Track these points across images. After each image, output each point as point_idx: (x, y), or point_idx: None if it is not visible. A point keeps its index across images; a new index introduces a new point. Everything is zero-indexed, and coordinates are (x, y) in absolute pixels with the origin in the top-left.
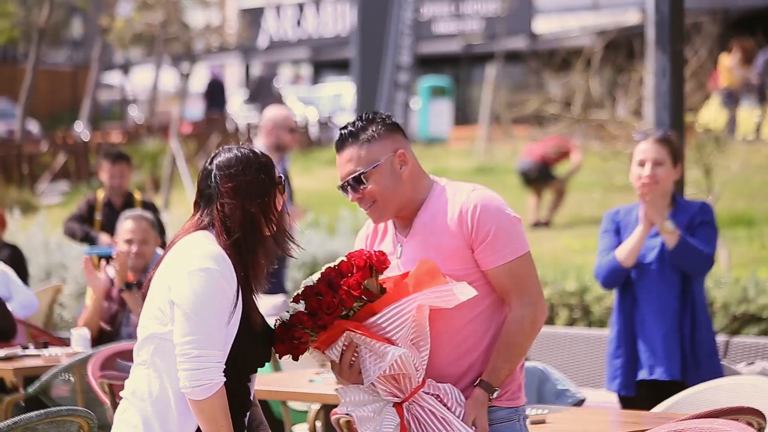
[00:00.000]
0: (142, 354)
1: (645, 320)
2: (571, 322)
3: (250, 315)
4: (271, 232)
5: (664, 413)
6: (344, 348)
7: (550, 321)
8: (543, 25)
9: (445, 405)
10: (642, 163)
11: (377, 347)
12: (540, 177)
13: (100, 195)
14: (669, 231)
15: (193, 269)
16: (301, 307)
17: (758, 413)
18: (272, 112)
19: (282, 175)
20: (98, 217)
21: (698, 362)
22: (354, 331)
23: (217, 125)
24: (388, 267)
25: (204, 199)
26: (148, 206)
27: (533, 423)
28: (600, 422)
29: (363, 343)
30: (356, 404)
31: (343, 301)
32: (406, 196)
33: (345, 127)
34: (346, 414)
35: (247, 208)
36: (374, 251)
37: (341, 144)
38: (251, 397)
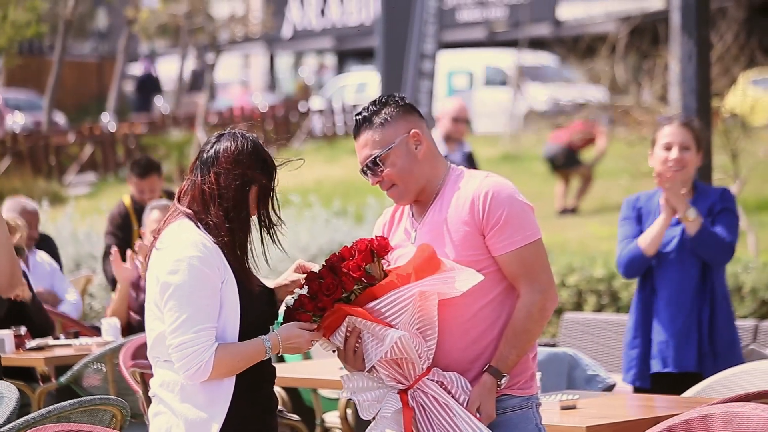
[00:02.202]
0: (156, 353)
1: (663, 310)
2: (599, 308)
3: (243, 282)
4: (260, 213)
5: (695, 398)
6: (348, 334)
7: (579, 307)
8: (567, 12)
9: (449, 393)
10: (668, 147)
11: (377, 330)
12: (566, 162)
13: (128, 201)
14: (691, 218)
15: (175, 260)
16: (304, 291)
17: None
18: (444, 104)
19: (453, 163)
20: (137, 226)
21: (716, 353)
22: (354, 315)
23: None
24: (389, 252)
25: (200, 162)
26: (171, 196)
27: (563, 408)
28: (630, 407)
29: (364, 326)
30: (359, 390)
31: (343, 282)
32: (425, 176)
33: (359, 113)
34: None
35: (243, 182)
36: (376, 236)
37: (357, 129)
38: (271, 359)
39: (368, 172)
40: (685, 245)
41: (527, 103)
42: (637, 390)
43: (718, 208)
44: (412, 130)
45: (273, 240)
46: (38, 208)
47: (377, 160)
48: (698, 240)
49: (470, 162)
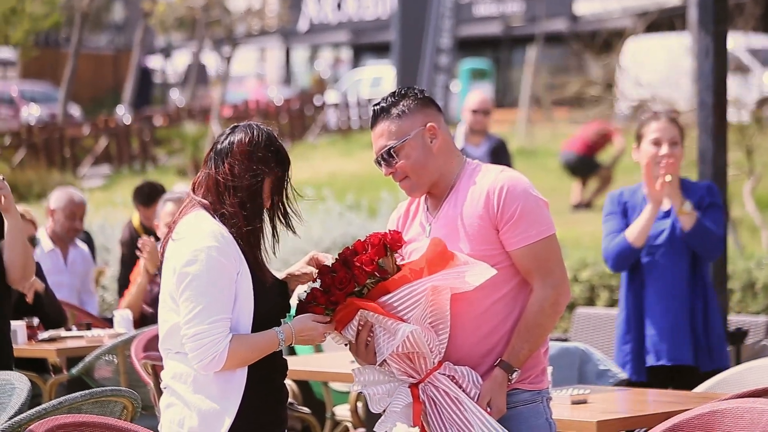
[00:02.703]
0: (169, 344)
1: (654, 304)
2: (612, 303)
3: (257, 273)
4: (274, 206)
5: (706, 393)
6: (360, 327)
7: (591, 302)
8: (584, 7)
9: (460, 387)
10: (657, 143)
11: (389, 324)
12: (584, 169)
13: (137, 222)
14: (687, 212)
15: (192, 250)
16: (316, 285)
17: None
18: (468, 97)
19: (470, 156)
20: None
21: (711, 346)
22: (367, 309)
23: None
24: (402, 246)
25: (215, 153)
26: None
27: (574, 403)
28: (641, 402)
29: (376, 320)
30: (370, 383)
31: (355, 276)
32: (438, 170)
33: (378, 103)
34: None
35: (257, 173)
36: (389, 230)
37: (374, 120)
38: (282, 352)
39: (382, 162)
40: (675, 238)
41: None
42: (633, 384)
43: (707, 202)
44: (429, 124)
45: (289, 230)
46: (73, 199)
47: (392, 151)
48: (694, 233)
49: (495, 155)
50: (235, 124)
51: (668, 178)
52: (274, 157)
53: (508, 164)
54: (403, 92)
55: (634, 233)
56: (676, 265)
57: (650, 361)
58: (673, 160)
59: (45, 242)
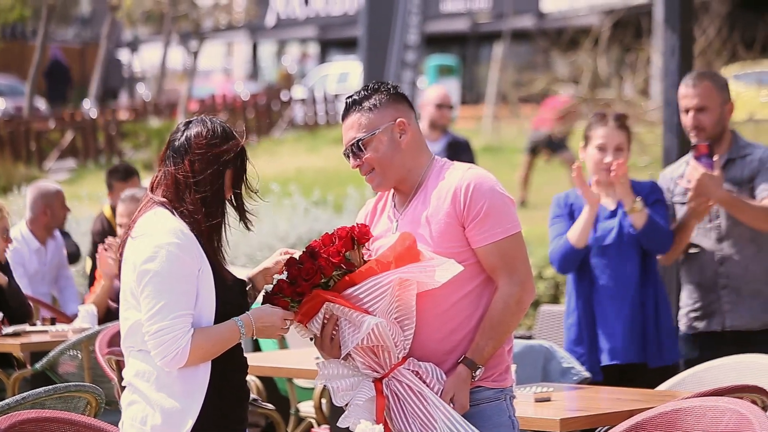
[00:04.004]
0: (131, 342)
1: (605, 303)
2: None
3: (219, 271)
4: (234, 200)
5: (669, 391)
6: (325, 321)
7: (556, 300)
8: (550, 4)
9: (424, 382)
10: (603, 148)
11: (354, 317)
12: (551, 147)
13: (108, 212)
14: (638, 210)
15: (152, 246)
16: (283, 276)
17: (762, 391)
18: (428, 91)
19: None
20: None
21: (661, 342)
22: (332, 301)
23: None
24: (370, 239)
25: (172, 150)
26: None
27: (538, 401)
28: (605, 399)
29: (341, 313)
30: (334, 377)
31: (322, 268)
32: (405, 166)
33: (351, 96)
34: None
35: (219, 165)
36: (357, 224)
37: (346, 111)
38: (243, 350)
39: (350, 155)
40: (624, 237)
41: None
42: (591, 384)
43: (651, 200)
44: (399, 119)
45: (245, 225)
46: (60, 188)
47: (360, 143)
48: (645, 231)
49: (453, 150)
50: (188, 119)
51: (622, 180)
52: (233, 148)
53: (470, 161)
54: (376, 86)
55: (575, 235)
56: (625, 264)
57: (604, 360)
58: (621, 167)
59: (29, 239)
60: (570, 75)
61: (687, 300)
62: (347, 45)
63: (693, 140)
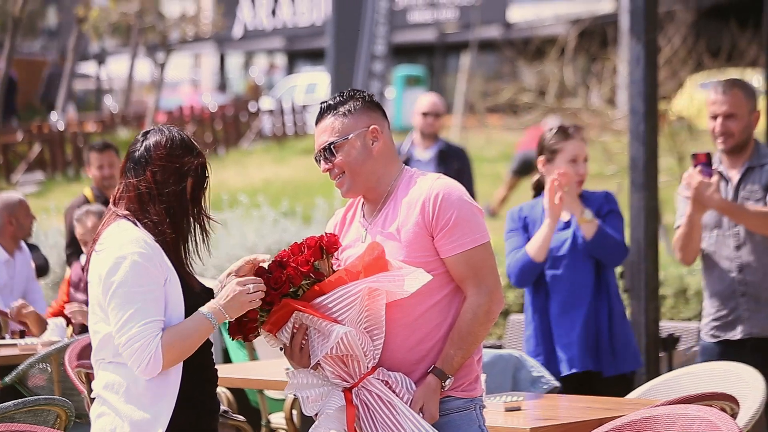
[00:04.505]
0: (102, 354)
1: (561, 314)
2: None
3: (186, 280)
4: (196, 207)
5: (639, 399)
6: (294, 330)
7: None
8: (517, 14)
9: (394, 392)
10: (574, 160)
11: (323, 326)
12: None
13: (89, 193)
14: (587, 220)
15: (115, 257)
16: None
17: (731, 398)
18: (419, 100)
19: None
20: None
21: (615, 351)
22: (301, 310)
23: None
24: (339, 249)
25: (132, 162)
26: None
27: (508, 410)
28: (574, 408)
29: (310, 322)
30: (303, 386)
31: (291, 277)
32: (375, 173)
33: (326, 101)
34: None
35: (181, 174)
36: (326, 233)
37: (320, 115)
38: (214, 362)
39: (321, 159)
40: (578, 248)
41: None
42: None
43: (605, 210)
44: (372, 126)
45: (206, 234)
46: (23, 197)
47: (332, 147)
48: (595, 242)
49: (444, 158)
50: (146, 129)
51: (566, 188)
52: (193, 156)
53: (463, 169)
54: (351, 93)
55: (534, 248)
56: (579, 274)
57: (564, 370)
58: (566, 176)
59: None
60: (537, 84)
61: (709, 309)
62: (315, 56)
63: (720, 147)
